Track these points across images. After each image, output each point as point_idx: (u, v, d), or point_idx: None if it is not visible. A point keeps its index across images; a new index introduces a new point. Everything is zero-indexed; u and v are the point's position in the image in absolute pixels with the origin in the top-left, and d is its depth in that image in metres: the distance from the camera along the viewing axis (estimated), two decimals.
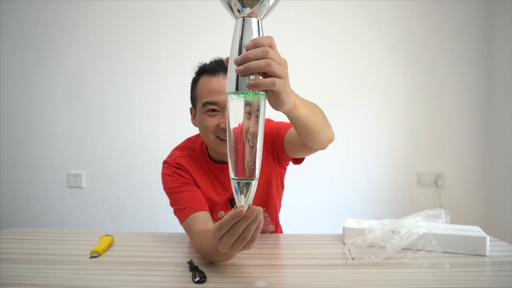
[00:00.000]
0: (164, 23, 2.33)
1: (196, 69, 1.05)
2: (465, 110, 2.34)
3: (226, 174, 1.08)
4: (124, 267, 0.90)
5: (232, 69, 0.58)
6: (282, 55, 0.60)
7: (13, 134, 2.36)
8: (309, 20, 2.32)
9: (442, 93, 2.34)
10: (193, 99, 1.05)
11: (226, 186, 1.10)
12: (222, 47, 2.39)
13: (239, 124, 0.59)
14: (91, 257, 0.96)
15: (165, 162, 1.10)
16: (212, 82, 0.98)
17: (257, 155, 0.60)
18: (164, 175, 1.08)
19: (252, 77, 0.57)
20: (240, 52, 0.58)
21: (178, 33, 2.33)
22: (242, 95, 0.59)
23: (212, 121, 0.98)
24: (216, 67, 0.99)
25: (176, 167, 1.06)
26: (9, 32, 2.33)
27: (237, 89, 0.58)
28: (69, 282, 0.80)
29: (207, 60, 1.06)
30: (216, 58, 1.03)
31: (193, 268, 0.85)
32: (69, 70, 2.34)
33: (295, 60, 2.13)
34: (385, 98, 2.35)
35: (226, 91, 0.60)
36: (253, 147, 0.60)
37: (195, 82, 1.04)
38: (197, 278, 0.79)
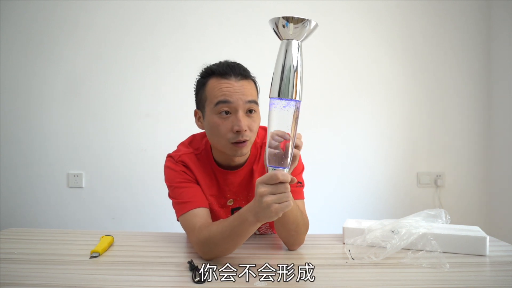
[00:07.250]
0: (163, 23, 2.32)
1: (202, 70, 1.03)
2: (465, 110, 2.35)
3: (229, 179, 1.07)
4: (124, 267, 0.90)
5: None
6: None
7: (13, 134, 2.35)
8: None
9: (442, 93, 2.34)
10: (201, 101, 1.02)
11: (225, 193, 1.08)
12: (222, 47, 2.40)
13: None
14: (91, 257, 0.96)
15: (169, 156, 1.08)
16: (223, 84, 0.96)
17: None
18: (167, 168, 1.06)
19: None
20: (283, 69, 0.70)
21: (177, 33, 2.32)
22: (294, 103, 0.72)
23: (225, 125, 0.95)
24: (227, 70, 0.97)
25: (181, 164, 1.05)
26: (8, 32, 2.32)
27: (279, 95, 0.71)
28: (69, 282, 0.81)
29: (207, 60, 1.04)
30: (223, 61, 1.01)
31: (193, 268, 0.85)
32: (69, 69, 2.34)
33: None
34: (385, 98, 2.35)
35: (270, 97, 0.72)
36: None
37: (202, 85, 1.01)
38: (197, 278, 0.79)
